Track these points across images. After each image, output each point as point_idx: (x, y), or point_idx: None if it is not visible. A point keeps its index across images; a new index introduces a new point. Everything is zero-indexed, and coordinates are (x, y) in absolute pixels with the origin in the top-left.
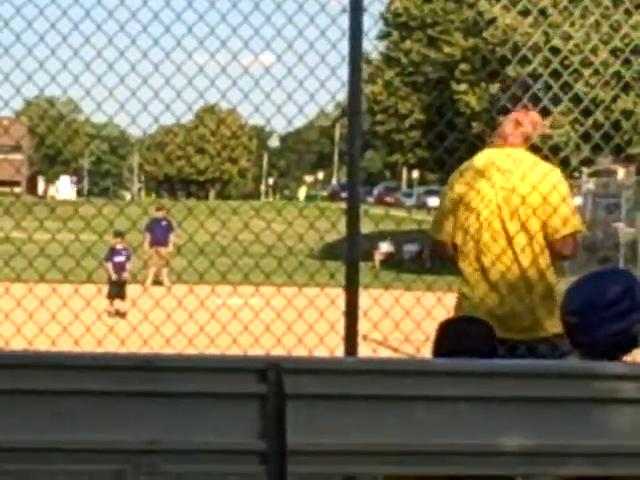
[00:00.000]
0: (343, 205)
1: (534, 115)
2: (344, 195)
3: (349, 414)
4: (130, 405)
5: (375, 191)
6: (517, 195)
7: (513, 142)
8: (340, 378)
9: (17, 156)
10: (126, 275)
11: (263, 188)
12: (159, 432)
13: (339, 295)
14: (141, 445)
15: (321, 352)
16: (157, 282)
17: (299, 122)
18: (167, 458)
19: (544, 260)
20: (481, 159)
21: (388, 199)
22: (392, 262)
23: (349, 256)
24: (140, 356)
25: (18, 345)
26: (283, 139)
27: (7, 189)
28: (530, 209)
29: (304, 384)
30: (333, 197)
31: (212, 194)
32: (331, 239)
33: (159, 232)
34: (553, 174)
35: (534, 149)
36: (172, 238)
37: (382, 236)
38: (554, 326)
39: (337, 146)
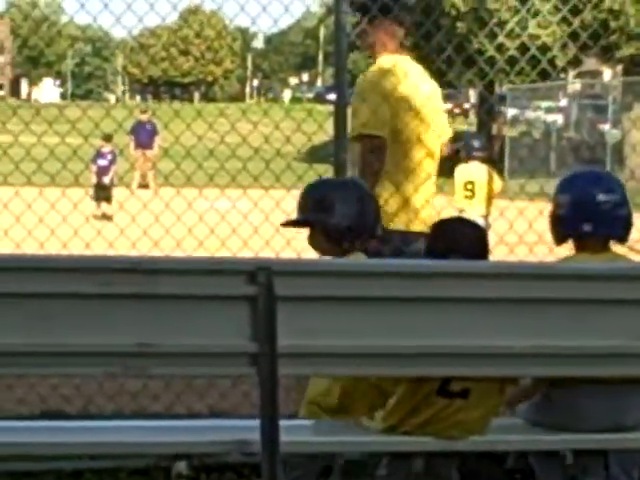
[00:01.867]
0: (328, 107)
1: None
2: (329, 97)
3: (339, 316)
4: (119, 308)
5: None
6: None
7: None
8: (330, 280)
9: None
10: (108, 179)
11: (248, 90)
12: (149, 335)
13: None
14: (131, 348)
15: (309, 255)
16: (143, 185)
17: (284, 22)
18: (157, 361)
19: None
20: None
21: None
22: None
23: (337, 157)
24: (129, 258)
25: (5, 248)
26: (268, 40)
27: None
28: None
29: (294, 286)
30: (318, 99)
31: (197, 96)
32: (318, 141)
33: (144, 135)
34: None
35: (523, 49)
36: (157, 141)
37: None
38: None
39: (322, 48)
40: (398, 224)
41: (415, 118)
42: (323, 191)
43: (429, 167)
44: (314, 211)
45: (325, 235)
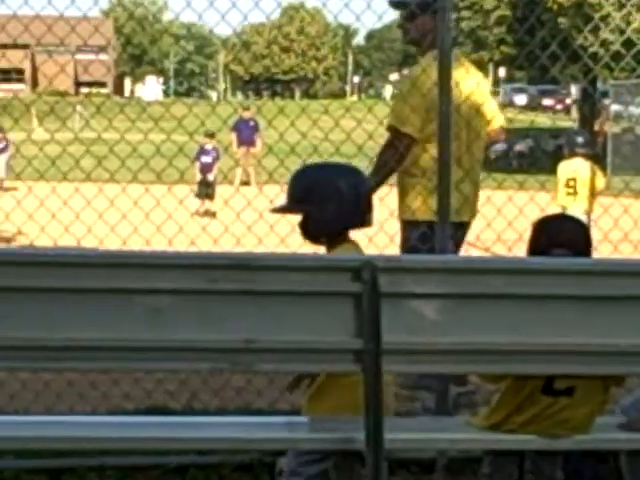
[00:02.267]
0: None
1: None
2: None
3: (443, 312)
4: (227, 304)
5: None
6: None
7: None
8: (434, 276)
9: (104, 57)
10: (212, 175)
11: (348, 87)
12: (255, 331)
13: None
14: (238, 344)
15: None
16: (246, 182)
17: (386, 19)
18: (263, 357)
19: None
20: None
21: None
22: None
23: (441, 155)
24: (236, 255)
25: (112, 244)
26: (368, 37)
27: (94, 90)
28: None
29: (398, 282)
30: None
31: (298, 93)
32: None
33: (246, 132)
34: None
35: (628, 44)
36: (259, 138)
37: None
38: None
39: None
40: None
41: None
42: (314, 178)
43: (467, 164)
44: (305, 199)
45: (316, 223)
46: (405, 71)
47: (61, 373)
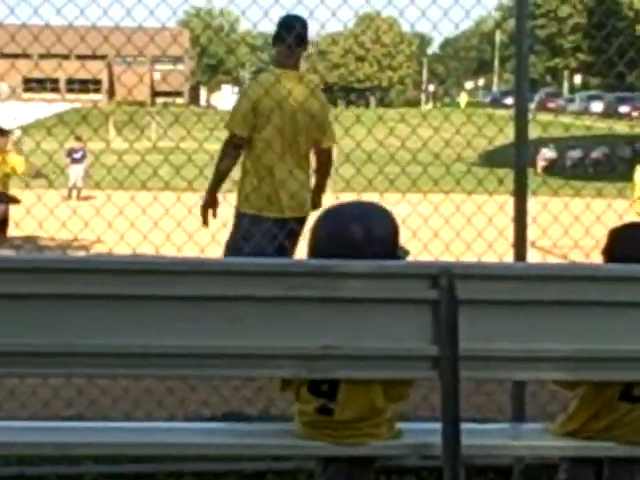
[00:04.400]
0: (505, 112)
1: None
2: (506, 101)
3: (521, 319)
4: (305, 311)
5: (536, 97)
6: None
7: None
8: (512, 283)
9: (181, 67)
10: None
11: (423, 96)
12: (333, 337)
13: (507, 201)
14: (316, 350)
15: (490, 258)
16: None
17: (461, 27)
18: (341, 363)
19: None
20: None
21: (550, 105)
22: (555, 168)
23: (518, 161)
24: (315, 262)
25: (191, 252)
26: (443, 46)
27: (170, 100)
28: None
29: (476, 290)
30: (495, 103)
31: (373, 102)
32: (493, 146)
33: None
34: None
35: None
36: (335, 147)
37: (543, 142)
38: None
39: (498, 52)
40: (249, 209)
41: (279, 124)
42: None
43: (289, 164)
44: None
45: None
46: (480, 79)
47: (139, 380)
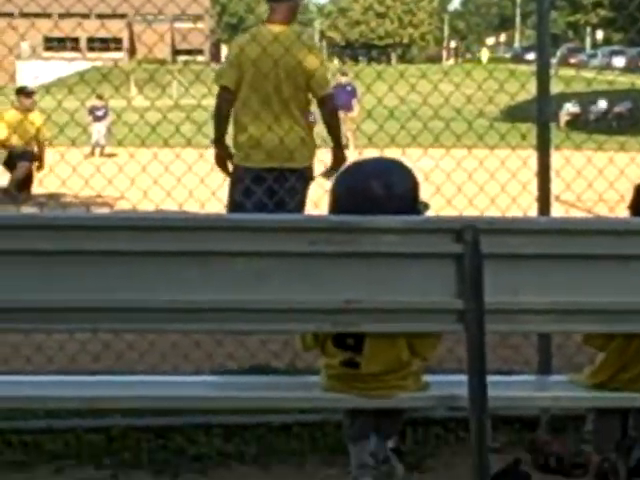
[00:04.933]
0: (527, 67)
1: None
2: (527, 57)
3: (546, 273)
4: (328, 266)
5: (558, 52)
6: None
7: None
8: (536, 237)
9: (201, 25)
10: None
11: (445, 52)
12: (357, 291)
13: (530, 156)
14: (339, 304)
15: (514, 213)
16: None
17: None
18: (365, 317)
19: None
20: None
21: (572, 60)
22: (578, 123)
23: (540, 116)
24: (337, 218)
25: (214, 208)
26: (464, 2)
27: (191, 58)
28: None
29: (500, 244)
30: (516, 59)
31: (394, 58)
32: (515, 101)
33: (344, 97)
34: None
35: None
36: (357, 103)
37: (566, 97)
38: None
39: (519, 7)
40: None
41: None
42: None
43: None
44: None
45: None
46: (502, 35)
47: (166, 334)
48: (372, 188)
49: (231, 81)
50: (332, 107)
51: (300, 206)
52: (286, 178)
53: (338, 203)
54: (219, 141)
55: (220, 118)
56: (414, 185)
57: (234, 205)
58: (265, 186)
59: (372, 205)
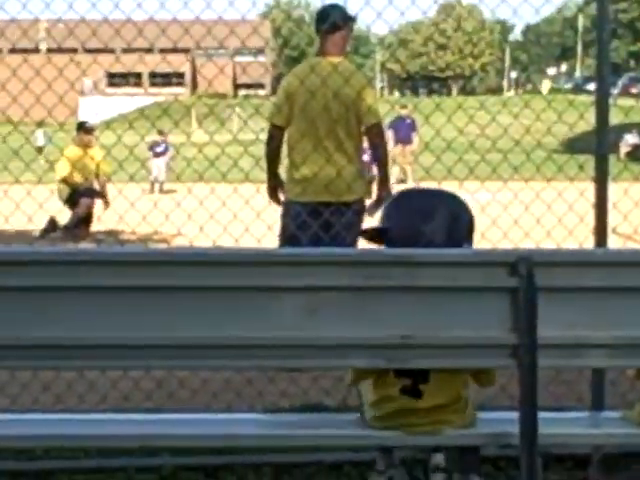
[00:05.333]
0: (587, 97)
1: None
2: (588, 87)
3: (601, 306)
4: (384, 300)
5: (620, 82)
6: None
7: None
8: (592, 270)
9: (262, 58)
10: (368, 174)
11: (505, 83)
12: (411, 327)
13: (587, 188)
14: (394, 339)
15: (570, 245)
16: (402, 180)
17: (543, 12)
18: (419, 352)
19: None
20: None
21: (633, 90)
22: (638, 154)
23: (599, 148)
24: (393, 252)
25: (270, 244)
26: (525, 32)
27: (252, 92)
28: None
29: (556, 277)
30: (577, 89)
31: (455, 90)
32: (574, 133)
33: (403, 130)
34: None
35: None
36: (416, 136)
37: (626, 128)
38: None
39: (580, 37)
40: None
41: (312, 114)
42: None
43: (327, 150)
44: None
45: None
46: (563, 65)
47: (218, 372)
48: (423, 222)
49: (279, 119)
50: (382, 136)
51: (355, 239)
52: (342, 212)
53: (389, 236)
54: (273, 171)
55: (269, 151)
56: (468, 219)
57: (288, 239)
58: (321, 220)
59: (424, 238)
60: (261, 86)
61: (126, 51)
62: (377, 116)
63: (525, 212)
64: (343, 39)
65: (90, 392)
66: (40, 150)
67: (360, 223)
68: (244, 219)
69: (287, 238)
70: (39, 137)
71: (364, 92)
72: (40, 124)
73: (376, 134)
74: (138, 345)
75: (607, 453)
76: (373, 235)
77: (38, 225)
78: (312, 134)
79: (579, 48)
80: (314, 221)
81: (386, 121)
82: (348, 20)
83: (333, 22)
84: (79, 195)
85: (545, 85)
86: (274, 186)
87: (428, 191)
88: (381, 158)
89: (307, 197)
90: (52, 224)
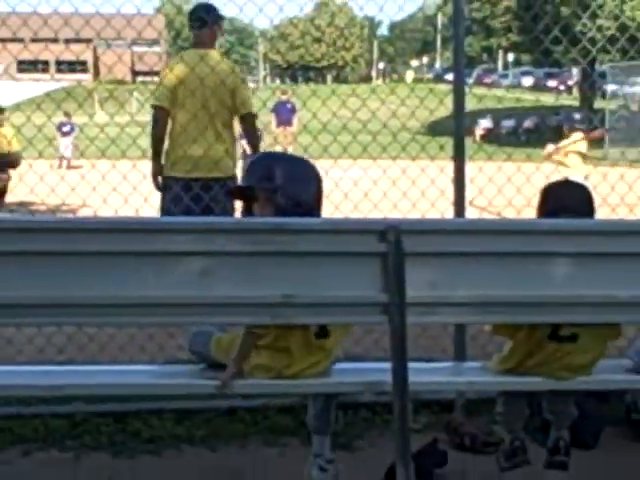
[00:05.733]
0: (446, 86)
1: None
2: (447, 77)
3: (459, 269)
4: (268, 264)
5: (474, 73)
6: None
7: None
8: (452, 237)
9: (156, 49)
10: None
11: (374, 73)
12: (292, 287)
13: (447, 166)
14: (277, 299)
15: (433, 215)
16: None
17: (407, 10)
18: (300, 310)
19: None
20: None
21: (486, 80)
22: (491, 137)
23: (456, 130)
24: (276, 221)
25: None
26: (391, 28)
27: (149, 78)
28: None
29: (420, 243)
30: (437, 79)
31: (329, 79)
32: (435, 117)
33: (284, 113)
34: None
35: (622, 29)
36: (296, 119)
37: (480, 114)
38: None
39: (440, 33)
40: (178, 172)
41: (190, 100)
42: (271, 164)
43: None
44: (260, 181)
45: (270, 207)
46: (424, 57)
47: (124, 328)
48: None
49: (163, 101)
50: (252, 123)
51: (224, 213)
52: (211, 187)
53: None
54: (157, 155)
55: (155, 133)
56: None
57: (165, 212)
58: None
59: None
60: (156, 73)
61: (34, 40)
62: (247, 106)
63: (393, 186)
64: (212, 35)
65: (7, 347)
66: None
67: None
68: (143, 191)
69: (164, 211)
70: None
71: (230, 80)
72: None
73: (248, 122)
74: (50, 304)
75: (469, 399)
76: (235, 193)
77: None
78: (186, 118)
79: (438, 43)
80: (190, 195)
81: (269, 105)
82: (217, 19)
83: (201, 18)
84: None
85: (409, 75)
86: (156, 171)
87: (291, 157)
88: (253, 142)
89: (180, 172)
90: None
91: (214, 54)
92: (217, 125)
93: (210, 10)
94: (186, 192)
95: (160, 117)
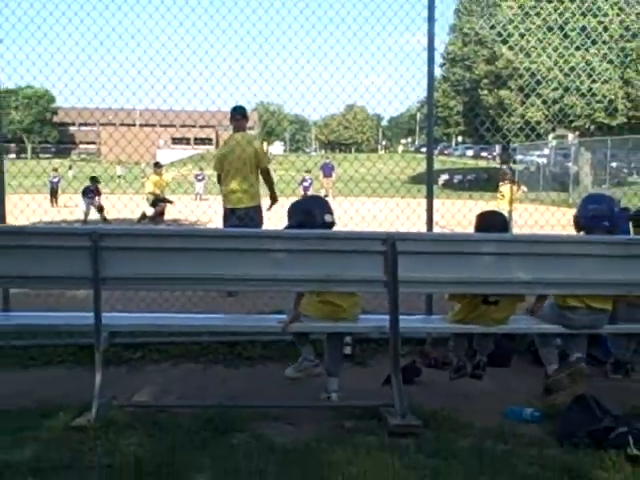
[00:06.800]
0: (422, 155)
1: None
2: (422, 150)
3: (431, 262)
4: (316, 257)
5: (438, 148)
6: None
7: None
8: (426, 243)
9: (253, 132)
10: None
11: (379, 147)
12: (331, 270)
13: (422, 201)
14: (323, 277)
15: (414, 230)
16: (325, 195)
17: (401, 109)
18: (336, 284)
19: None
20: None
21: (445, 152)
22: (448, 184)
23: (428, 180)
24: (320, 232)
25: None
26: (390, 121)
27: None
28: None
29: (407, 246)
30: (417, 151)
31: (353, 150)
32: (416, 172)
33: (327, 170)
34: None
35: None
36: (334, 173)
37: (442, 171)
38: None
39: (418, 124)
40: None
41: (231, 162)
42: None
43: (237, 181)
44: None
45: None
46: (409, 138)
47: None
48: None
49: (217, 168)
50: (269, 174)
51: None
52: (248, 212)
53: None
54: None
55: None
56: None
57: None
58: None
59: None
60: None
61: (182, 126)
62: (266, 163)
63: (390, 212)
64: (241, 123)
65: (165, 304)
66: (119, 177)
67: (259, 217)
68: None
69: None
70: (117, 170)
71: (259, 149)
72: (118, 162)
73: (266, 172)
74: (200, 278)
75: (434, 337)
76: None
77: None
78: (233, 172)
79: (417, 129)
80: (234, 217)
81: (318, 165)
82: (246, 114)
83: (238, 115)
84: (157, 201)
85: (400, 148)
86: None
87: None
88: (268, 183)
89: (230, 204)
90: (143, 216)
91: (248, 136)
92: (249, 176)
93: (244, 109)
94: (233, 216)
95: (218, 175)
